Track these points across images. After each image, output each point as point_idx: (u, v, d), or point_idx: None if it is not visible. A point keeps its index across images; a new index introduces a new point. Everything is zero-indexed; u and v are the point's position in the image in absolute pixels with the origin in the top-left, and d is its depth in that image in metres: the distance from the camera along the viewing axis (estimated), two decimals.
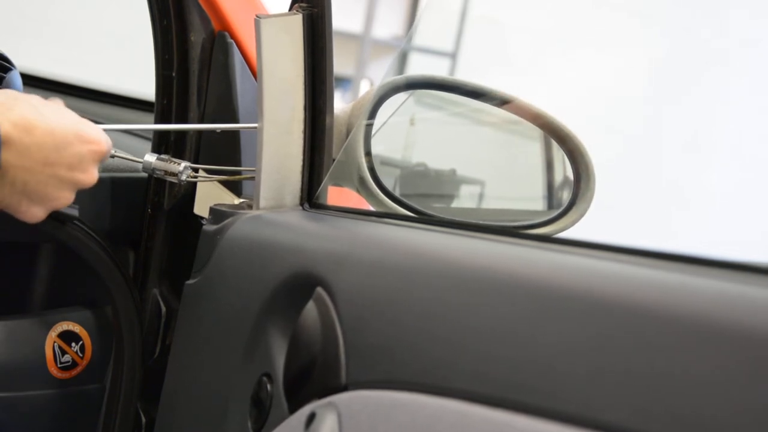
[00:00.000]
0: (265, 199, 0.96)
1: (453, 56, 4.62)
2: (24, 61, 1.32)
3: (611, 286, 0.56)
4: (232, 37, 1.09)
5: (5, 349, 1.07)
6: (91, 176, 0.89)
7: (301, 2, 0.96)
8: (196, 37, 1.09)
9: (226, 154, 1.08)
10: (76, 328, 1.11)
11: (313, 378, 0.73)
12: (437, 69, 4.61)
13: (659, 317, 0.52)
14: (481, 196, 1.20)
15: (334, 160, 0.99)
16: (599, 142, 1.25)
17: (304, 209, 0.97)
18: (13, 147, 0.82)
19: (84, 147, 0.87)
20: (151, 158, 1.04)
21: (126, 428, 1.10)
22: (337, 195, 1.04)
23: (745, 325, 0.49)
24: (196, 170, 1.04)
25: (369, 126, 1.03)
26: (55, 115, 0.86)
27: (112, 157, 1.07)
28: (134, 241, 1.16)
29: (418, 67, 4.66)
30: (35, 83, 1.59)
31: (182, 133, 1.10)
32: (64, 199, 0.89)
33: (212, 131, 1.08)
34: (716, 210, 4.13)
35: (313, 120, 0.96)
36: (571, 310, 0.57)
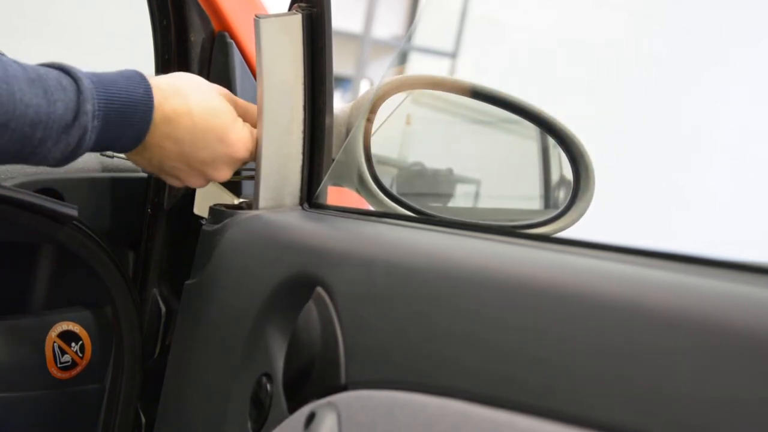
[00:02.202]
0: (264, 199, 0.96)
1: (453, 56, 4.62)
2: (24, 61, 1.32)
3: (611, 286, 0.56)
4: (232, 37, 1.09)
5: (5, 349, 1.07)
6: (222, 175, 0.95)
7: (301, 2, 0.96)
8: (196, 37, 1.09)
9: None
10: (76, 328, 1.11)
11: (312, 378, 0.74)
12: (437, 69, 4.61)
13: (659, 317, 0.52)
14: (480, 196, 1.20)
15: (333, 160, 0.99)
16: (598, 142, 1.25)
17: (303, 209, 0.97)
18: (156, 133, 0.89)
19: (220, 149, 0.93)
20: None
21: (126, 428, 1.10)
22: (336, 195, 1.04)
23: (745, 325, 0.49)
24: None
25: (368, 126, 1.03)
26: (203, 114, 0.91)
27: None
28: (134, 241, 1.17)
29: (418, 66, 4.67)
30: None
31: None
32: (197, 185, 0.96)
33: None
34: (716, 210, 4.13)
35: (312, 120, 0.96)
36: (570, 310, 0.57)
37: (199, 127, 0.90)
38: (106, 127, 0.85)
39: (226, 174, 0.95)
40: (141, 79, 0.88)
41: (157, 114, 0.88)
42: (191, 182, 0.95)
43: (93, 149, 0.86)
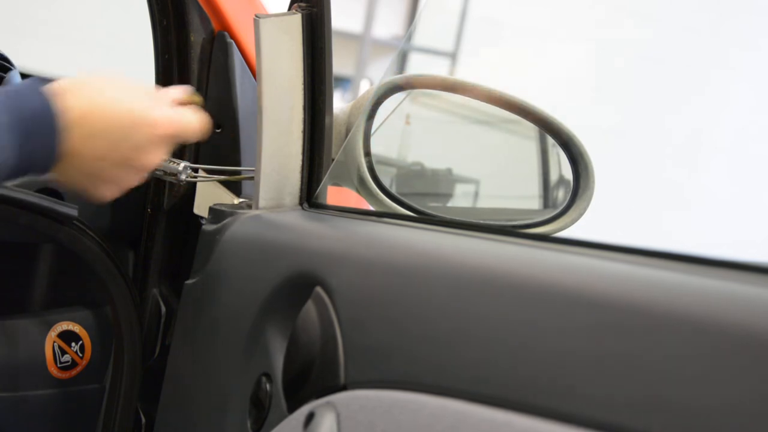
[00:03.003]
0: (264, 199, 0.96)
1: (453, 56, 4.62)
2: (24, 61, 1.33)
3: (611, 286, 0.56)
4: (232, 37, 1.09)
5: (5, 349, 1.07)
6: (154, 158, 0.90)
7: (301, 2, 0.96)
8: (196, 37, 1.09)
9: (225, 154, 1.08)
10: (76, 328, 1.11)
11: (311, 378, 0.74)
12: (437, 69, 4.61)
13: (659, 317, 0.52)
14: (480, 196, 1.20)
15: (333, 159, 0.99)
16: (598, 141, 1.25)
17: (303, 209, 0.97)
18: (76, 133, 0.84)
19: (144, 130, 0.88)
20: None
21: (126, 428, 1.09)
22: (336, 195, 1.04)
23: (745, 325, 0.49)
24: (195, 170, 1.04)
25: (368, 126, 1.03)
26: (118, 100, 0.87)
27: None
28: (134, 241, 1.16)
29: (418, 66, 4.67)
30: None
31: None
32: (132, 182, 0.91)
33: (211, 131, 1.08)
34: (716, 210, 4.13)
35: (312, 120, 0.96)
36: (569, 310, 0.57)
37: (115, 115, 0.86)
38: (23, 137, 0.80)
39: (157, 156, 0.90)
40: (44, 83, 0.83)
41: (71, 114, 0.83)
42: (128, 179, 0.89)
43: (17, 165, 0.81)
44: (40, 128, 0.81)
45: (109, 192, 0.90)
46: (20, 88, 0.82)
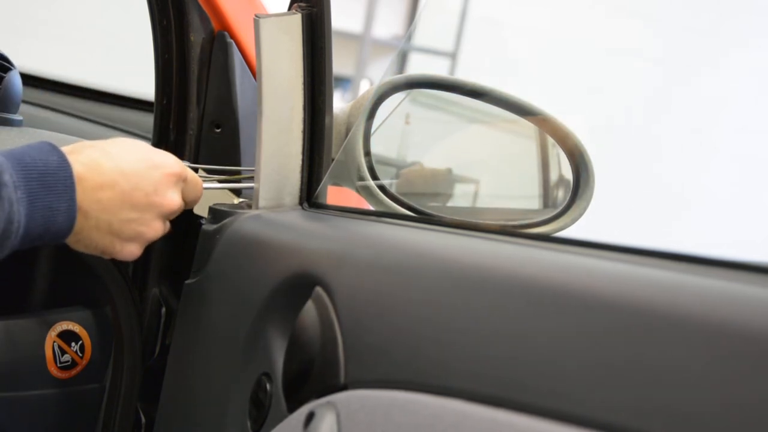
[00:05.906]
0: (264, 198, 0.96)
1: (453, 56, 4.62)
2: (24, 61, 1.33)
3: (610, 286, 0.57)
4: (232, 37, 1.09)
5: (5, 349, 1.07)
6: (170, 200, 0.89)
7: (301, 2, 0.96)
8: (196, 37, 1.09)
9: (225, 154, 1.08)
10: (76, 327, 1.11)
11: (312, 377, 0.74)
12: (437, 69, 4.61)
13: (658, 317, 0.52)
14: (480, 196, 1.20)
15: (333, 159, 0.99)
16: (598, 141, 1.25)
17: (303, 209, 0.97)
18: (87, 186, 0.83)
19: (155, 172, 0.87)
20: None
21: (126, 428, 1.10)
22: (336, 194, 1.04)
23: (745, 325, 0.49)
24: (195, 170, 1.04)
25: (368, 125, 1.04)
26: (122, 152, 0.86)
27: None
28: None
29: (418, 66, 4.67)
30: (35, 83, 1.58)
31: (182, 133, 1.10)
32: (154, 231, 0.89)
33: (211, 130, 1.08)
34: (716, 210, 4.13)
35: (312, 120, 0.97)
36: (570, 310, 0.57)
37: (124, 160, 0.85)
38: (33, 200, 0.78)
39: (172, 198, 0.89)
40: (51, 147, 0.82)
41: (77, 166, 0.82)
42: (153, 227, 0.88)
43: (29, 232, 0.80)
44: (51, 186, 0.80)
45: (130, 249, 0.88)
46: (27, 150, 0.81)
